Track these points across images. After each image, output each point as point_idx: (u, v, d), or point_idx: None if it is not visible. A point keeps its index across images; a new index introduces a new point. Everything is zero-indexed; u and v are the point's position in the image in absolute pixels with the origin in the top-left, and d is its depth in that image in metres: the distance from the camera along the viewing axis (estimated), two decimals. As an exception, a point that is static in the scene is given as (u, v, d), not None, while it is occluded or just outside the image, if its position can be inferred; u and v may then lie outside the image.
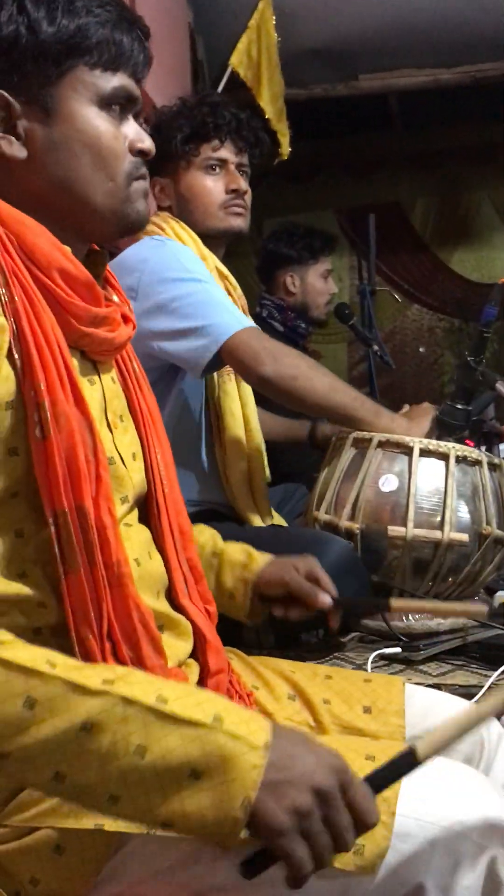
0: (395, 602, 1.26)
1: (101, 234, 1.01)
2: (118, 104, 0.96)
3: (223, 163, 1.83)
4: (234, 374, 1.88)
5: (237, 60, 3.47)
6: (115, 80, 0.95)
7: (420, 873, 0.81)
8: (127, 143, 0.97)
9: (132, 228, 1.00)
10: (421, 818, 0.82)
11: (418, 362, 6.40)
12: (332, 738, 1.01)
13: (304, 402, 1.64)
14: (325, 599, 1.19)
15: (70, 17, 0.92)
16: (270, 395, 1.68)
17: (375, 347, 2.82)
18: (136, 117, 1.00)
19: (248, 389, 1.91)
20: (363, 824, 0.74)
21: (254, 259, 3.60)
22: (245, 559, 1.23)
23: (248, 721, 0.74)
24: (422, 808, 0.83)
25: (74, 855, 0.83)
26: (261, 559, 1.23)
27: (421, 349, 6.42)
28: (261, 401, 1.94)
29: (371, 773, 0.77)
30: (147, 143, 0.99)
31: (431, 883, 0.81)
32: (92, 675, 0.74)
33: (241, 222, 1.86)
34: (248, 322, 1.65)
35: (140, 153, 0.98)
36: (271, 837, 0.70)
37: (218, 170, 1.83)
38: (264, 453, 1.90)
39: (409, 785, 0.84)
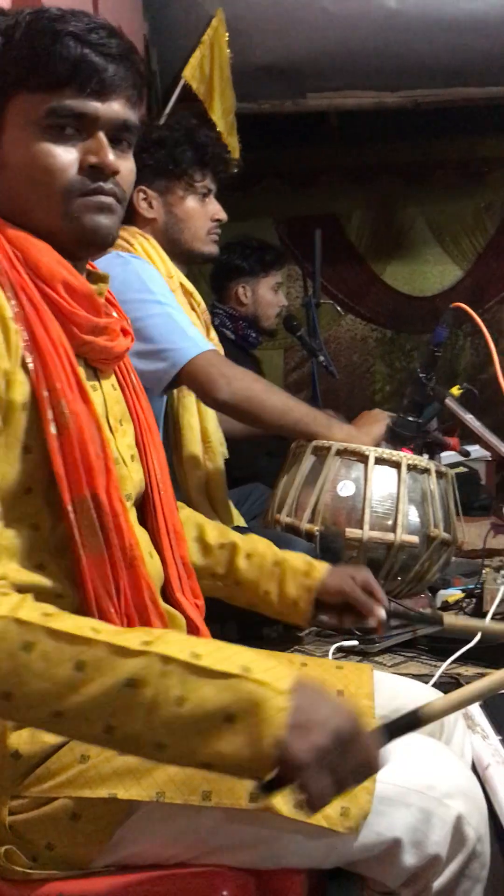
0: (448, 618, 1.32)
1: (62, 249, 1.02)
2: (63, 124, 0.97)
3: (209, 192, 1.95)
4: None
5: (190, 74, 3.56)
6: (52, 102, 0.96)
7: (397, 830, 0.93)
8: (76, 162, 0.99)
9: (88, 241, 1.03)
10: (398, 784, 0.94)
11: (351, 370, 6.57)
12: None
13: (261, 421, 1.75)
14: (381, 612, 1.25)
15: (23, 41, 0.96)
16: (229, 416, 1.79)
17: (321, 357, 2.96)
18: (119, 130, 1.01)
19: None
20: (368, 771, 0.82)
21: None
22: (307, 567, 1.28)
23: (273, 668, 0.82)
24: (399, 775, 0.95)
25: (89, 822, 0.92)
26: (321, 567, 1.28)
27: (354, 357, 6.61)
28: None
29: (381, 727, 0.86)
30: (99, 158, 0.99)
31: (407, 838, 0.93)
32: (132, 637, 0.82)
33: (217, 249, 2.02)
34: (207, 345, 1.74)
35: (93, 168, 0.99)
36: (294, 772, 0.78)
37: (206, 197, 1.94)
38: (222, 464, 2.00)
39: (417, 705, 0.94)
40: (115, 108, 1.00)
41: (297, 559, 1.29)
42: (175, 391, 1.94)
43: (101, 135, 1.00)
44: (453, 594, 1.89)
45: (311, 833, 0.92)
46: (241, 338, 2.94)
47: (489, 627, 1.49)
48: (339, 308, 3.80)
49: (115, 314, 1.11)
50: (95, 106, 0.98)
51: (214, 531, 1.32)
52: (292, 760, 0.78)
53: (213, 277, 3.03)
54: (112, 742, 0.81)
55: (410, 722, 0.87)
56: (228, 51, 3.59)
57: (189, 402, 1.97)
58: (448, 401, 1.71)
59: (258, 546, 1.31)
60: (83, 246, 1.04)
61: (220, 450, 2.00)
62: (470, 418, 1.66)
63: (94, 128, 0.99)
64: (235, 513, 2.04)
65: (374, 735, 0.83)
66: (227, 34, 3.58)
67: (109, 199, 1.02)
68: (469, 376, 5.90)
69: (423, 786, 0.95)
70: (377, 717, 1.14)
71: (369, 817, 0.92)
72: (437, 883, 0.95)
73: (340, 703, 0.84)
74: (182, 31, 3.55)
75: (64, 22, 0.97)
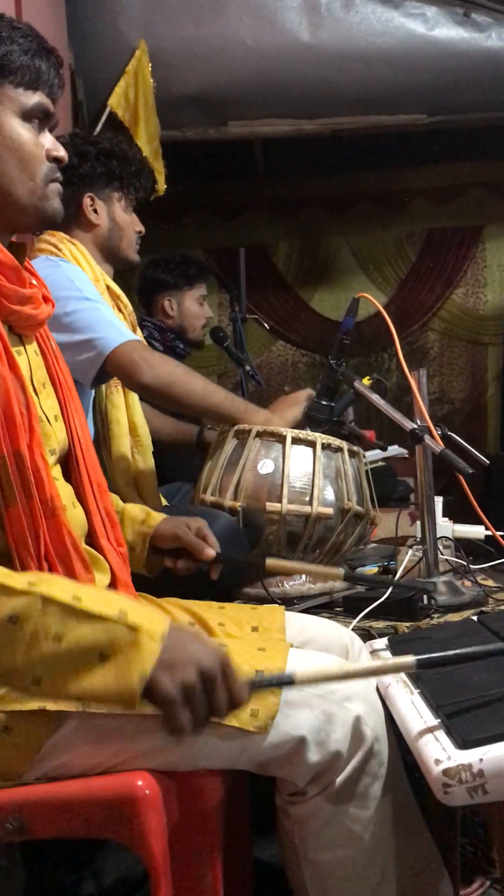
0: (270, 561, 1.46)
1: (23, 226, 1.18)
2: (37, 118, 1.15)
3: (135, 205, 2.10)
4: (120, 386, 2.08)
5: (115, 102, 3.73)
6: (34, 98, 1.14)
7: (302, 729, 1.03)
8: (44, 151, 1.16)
9: (48, 221, 1.19)
10: (302, 689, 1.04)
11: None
12: (230, 640, 1.22)
13: (182, 404, 1.85)
14: (210, 552, 1.39)
15: None
16: (152, 400, 1.89)
17: (247, 367, 3.09)
18: (51, 131, 1.19)
19: (134, 398, 2.12)
20: (235, 703, 0.93)
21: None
22: (144, 516, 1.42)
23: (149, 615, 0.93)
24: (303, 682, 1.05)
25: (20, 734, 1.00)
26: (157, 516, 1.42)
27: (286, 388, 6.78)
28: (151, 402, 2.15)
29: (253, 677, 0.97)
30: (61, 153, 1.18)
31: (311, 737, 1.03)
32: (19, 578, 0.92)
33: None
34: (132, 336, 1.85)
35: (55, 160, 1.17)
36: (162, 705, 0.89)
37: (132, 210, 2.08)
38: (151, 458, 2.11)
39: (293, 666, 1.06)
40: (56, 111, 1.19)
41: (135, 509, 1.42)
42: (103, 388, 2.03)
43: (47, 131, 1.17)
44: (370, 570, 2.01)
45: (224, 735, 1.01)
46: (170, 349, 3.05)
47: (304, 568, 1.63)
48: (265, 324, 3.95)
49: (35, 283, 1.21)
50: (53, 108, 1.17)
51: None
52: (160, 695, 0.89)
53: (140, 292, 3.15)
54: None
55: (282, 680, 0.99)
56: (151, 80, 3.76)
57: (118, 399, 2.07)
58: (356, 384, 1.84)
59: None
60: (45, 223, 1.18)
61: (148, 442, 2.10)
62: (376, 398, 1.79)
63: (47, 125, 1.17)
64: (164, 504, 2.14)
65: (247, 680, 0.95)
66: (150, 64, 3.74)
67: (61, 187, 1.19)
68: (395, 396, 6.12)
69: (325, 690, 1.05)
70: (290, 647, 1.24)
71: (276, 719, 1.02)
72: (340, 779, 1.05)
73: (210, 644, 0.95)
74: (106, 61, 3.70)
75: (18, 28, 1.13)
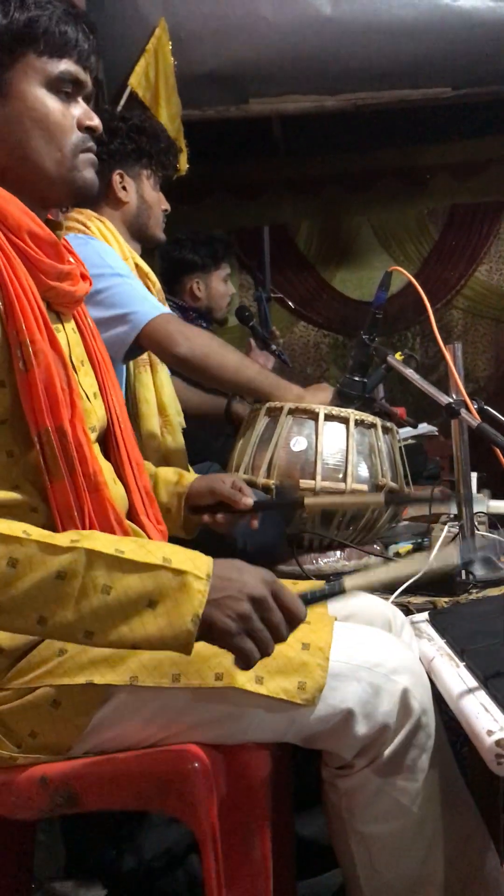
0: (308, 500, 1.46)
1: (55, 199, 1.16)
2: (66, 88, 1.12)
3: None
4: (148, 365, 2.08)
5: (136, 81, 3.69)
6: (61, 66, 1.11)
7: (349, 702, 1.03)
8: (75, 121, 1.13)
9: (81, 193, 1.16)
10: (350, 661, 1.05)
11: (305, 376, 6.72)
12: None
13: (216, 377, 1.84)
14: (248, 501, 1.38)
15: (20, 11, 1.09)
16: (186, 373, 1.88)
17: (273, 346, 3.08)
18: (87, 100, 1.16)
19: (163, 377, 2.12)
20: (294, 619, 0.93)
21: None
22: (177, 477, 1.42)
23: (192, 558, 0.93)
24: (350, 654, 1.05)
25: (68, 708, 1.00)
26: (190, 476, 1.42)
27: (308, 370, 6.76)
28: (178, 372, 2.14)
29: (304, 592, 0.98)
30: (95, 122, 1.15)
31: (358, 710, 1.03)
32: (61, 536, 0.92)
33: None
34: (165, 309, 1.85)
35: (88, 129, 1.14)
36: (223, 639, 0.90)
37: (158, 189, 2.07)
38: (181, 436, 2.11)
39: (339, 639, 1.06)
40: (90, 79, 1.15)
41: (168, 471, 1.42)
42: (131, 366, 2.03)
43: (81, 100, 1.14)
44: (404, 546, 2.00)
45: (273, 707, 1.01)
46: (192, 328, 3.03)
47: (343, 501, 1.66)
48: (290, 303, 3.94)
49: (72, 260, 1.20)
50: (85, 76, 1.14)
51: None
52: (217, 630, 0.89)
53: (165, 272, 3.12)
54: (45, 632, 0.90)
55: (333, 589, 1.00)
56: (172, 58, 3.72)
57: (146, 378, 2.07)
58: (389, 358, 1.82)
59: None
60: (78, 195, 1.16)
61: (178, 420, 2.10)
62: (410, 373, 1.77)
63: (79, 94, 1.14)
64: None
65: (298, 595, 0.95)
66: (170, 42, 3.70)
67: (95, 158, 1.16)
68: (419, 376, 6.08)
69: (372, 663, 1.05)
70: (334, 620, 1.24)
71: (324, 692, 1.01)
72: (388, 751, 1.05)
73: (255, 570, 0.94)
74: (126, 40, 3.66)
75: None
